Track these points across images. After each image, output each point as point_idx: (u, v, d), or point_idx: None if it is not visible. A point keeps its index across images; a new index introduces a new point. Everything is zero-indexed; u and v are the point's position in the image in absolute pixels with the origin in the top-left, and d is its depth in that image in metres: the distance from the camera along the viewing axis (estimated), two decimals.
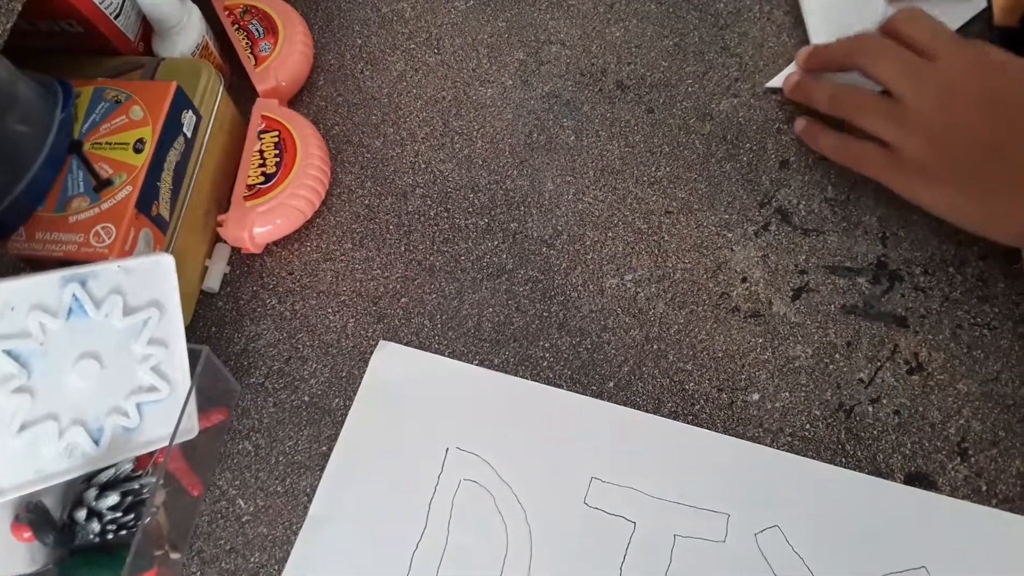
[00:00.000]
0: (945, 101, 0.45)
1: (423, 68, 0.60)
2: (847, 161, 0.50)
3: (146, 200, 0.46)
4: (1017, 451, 0.45)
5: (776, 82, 0.56)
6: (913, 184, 0.47)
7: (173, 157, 0.48)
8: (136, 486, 0.44)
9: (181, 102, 0.49)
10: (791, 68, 0.56)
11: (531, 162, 0.56)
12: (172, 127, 0.48)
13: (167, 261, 0.44)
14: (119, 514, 0.44)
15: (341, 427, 0.49)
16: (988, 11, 0.54)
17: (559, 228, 0.54)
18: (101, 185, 0.46)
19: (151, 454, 0.46)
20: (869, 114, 0.48)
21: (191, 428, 0.45)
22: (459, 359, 0.50)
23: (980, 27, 0.54)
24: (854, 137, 0.49)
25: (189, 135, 0.50)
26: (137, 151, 0.46)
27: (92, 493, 0.44)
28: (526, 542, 0.45)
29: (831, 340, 0.48)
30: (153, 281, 0.44)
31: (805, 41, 0.57)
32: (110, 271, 0.42)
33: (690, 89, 0.57)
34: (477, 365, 0.50)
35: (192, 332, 0.53)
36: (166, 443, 0.44)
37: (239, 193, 0.52)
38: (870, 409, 0.46)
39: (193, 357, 0.45)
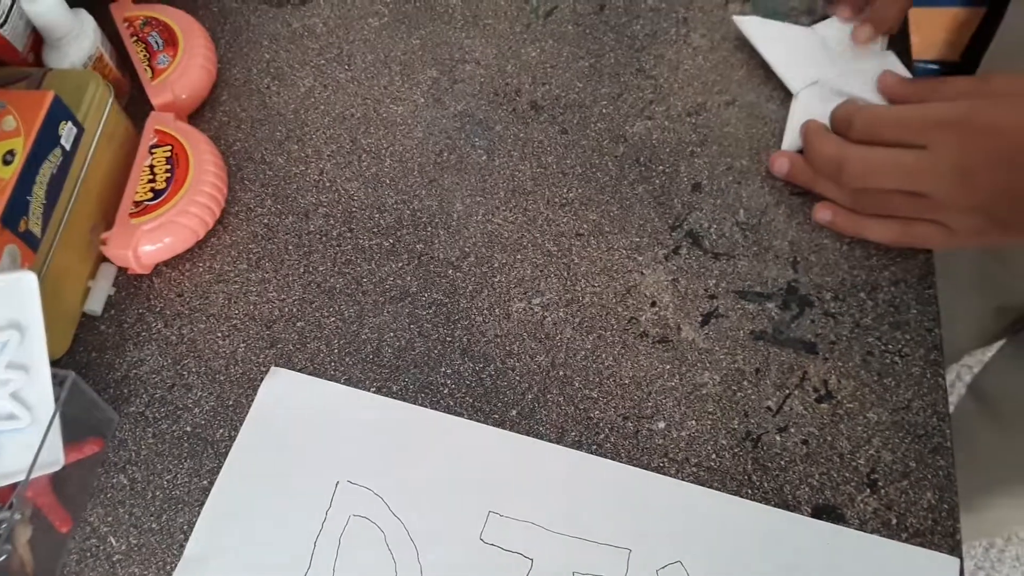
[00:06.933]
0: (965, 183, 0.44)
1: (332, 84, 0.58)
2: (909, 243, 0.48)
3: (13, 215, 0.43)
4: (928, 483, 0.43)
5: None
6: (971, 242, 0.47)
7: (48, 170, 0.45)
8: None
9: (59, 113, 0.46)
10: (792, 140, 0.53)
11: (440, 182, 0.54)
12: (47, 139, 0.45)
13: (29, 279, 0.41)
14: None
15: (224, 460, 0.46)
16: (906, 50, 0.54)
17: (466, 250, 0.52)
18: None
19: (13, 487, 0.42)
20: (911, 213, 0.47)
21: (55, 460, 0.42)
22: (356, 386, 0.48)
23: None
24: (906, 221, 0.47)
25: (68, 147, 0.47)
26: (7, 163, 0.43)
27: None
28: None
29: (739, 367, 0.47)
30: (14, 301, 0.41)
31: (722, 64, 0.56)
32: None
33: (604, 110, 0.56)
34: (375, 392, 0.47)
35: (71, 357, 0.49)
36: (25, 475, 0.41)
37: (125, 210, 0.49)
38: (778, 438, 0.45)
39: (59, 383, 0.42)
